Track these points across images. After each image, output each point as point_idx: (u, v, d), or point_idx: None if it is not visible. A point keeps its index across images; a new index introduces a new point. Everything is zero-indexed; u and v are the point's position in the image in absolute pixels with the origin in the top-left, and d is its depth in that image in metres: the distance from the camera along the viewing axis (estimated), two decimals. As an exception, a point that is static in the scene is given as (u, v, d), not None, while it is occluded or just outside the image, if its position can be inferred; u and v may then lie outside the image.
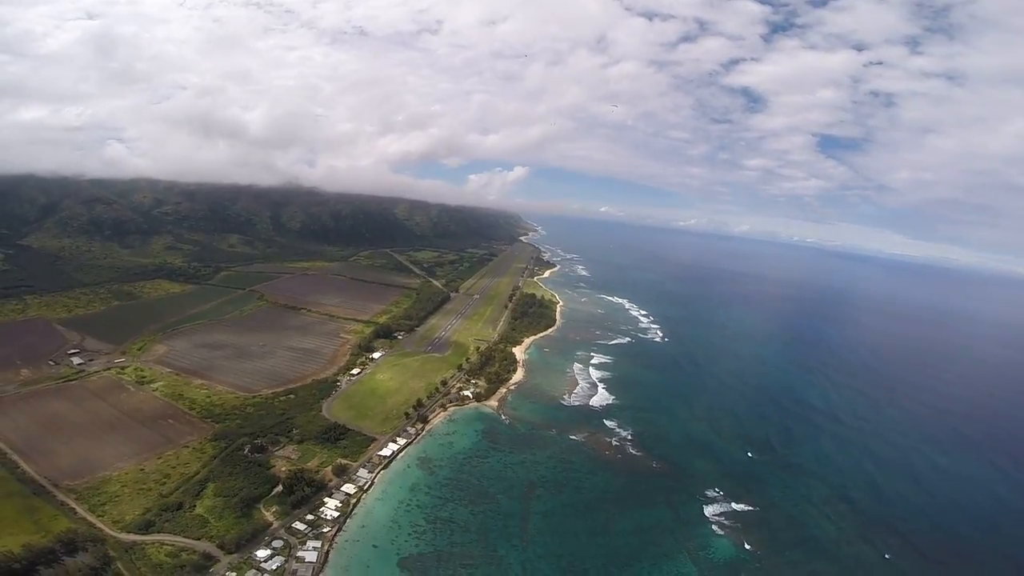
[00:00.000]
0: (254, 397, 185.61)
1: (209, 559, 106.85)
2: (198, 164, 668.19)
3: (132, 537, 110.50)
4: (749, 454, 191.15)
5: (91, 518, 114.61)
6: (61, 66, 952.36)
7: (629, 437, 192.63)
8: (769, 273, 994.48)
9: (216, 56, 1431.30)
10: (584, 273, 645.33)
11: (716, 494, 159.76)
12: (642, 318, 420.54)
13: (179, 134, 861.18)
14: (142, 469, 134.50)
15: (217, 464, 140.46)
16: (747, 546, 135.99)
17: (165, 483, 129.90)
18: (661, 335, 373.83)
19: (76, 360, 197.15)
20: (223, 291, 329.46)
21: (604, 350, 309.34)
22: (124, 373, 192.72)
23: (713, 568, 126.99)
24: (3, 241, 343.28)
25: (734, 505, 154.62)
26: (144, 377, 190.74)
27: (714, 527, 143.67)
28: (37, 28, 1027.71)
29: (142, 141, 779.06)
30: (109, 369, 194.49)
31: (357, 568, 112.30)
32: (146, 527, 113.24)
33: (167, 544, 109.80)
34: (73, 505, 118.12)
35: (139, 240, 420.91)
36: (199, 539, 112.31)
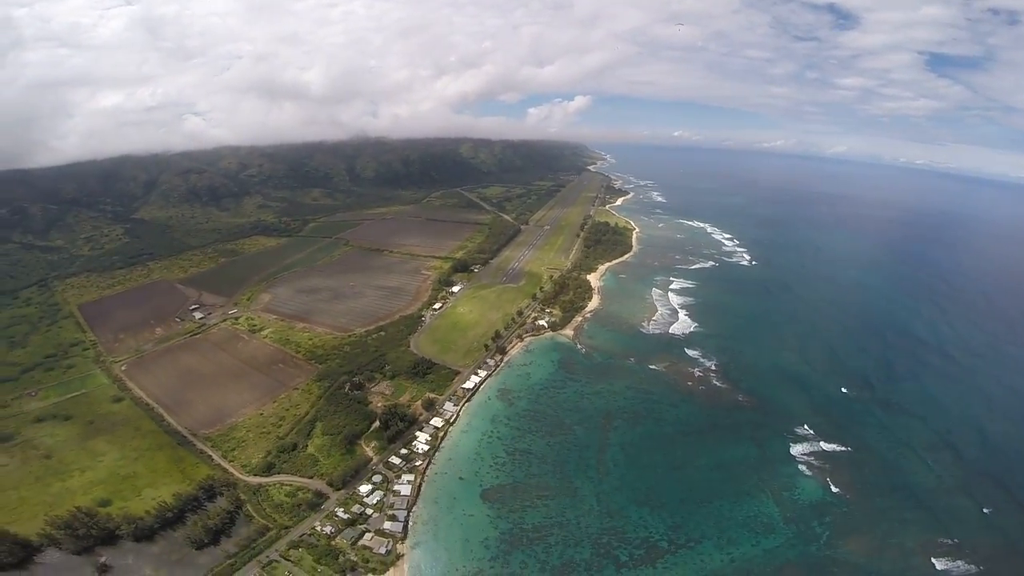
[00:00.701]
0: (349, 336, 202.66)
1: (321, 496, 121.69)
2: (271, 127, 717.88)
3: (257, 479, 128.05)
4: (844, 390, 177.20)
5: (224, 464, 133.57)
6: (119, 52, 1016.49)
7: (713, 368, 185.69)
8: (871, 196, 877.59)
9: (261, 23, 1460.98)
10: (660, 199, 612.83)
11: (805, 432, 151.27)
12: (726, 242, 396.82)
13: (247, 101, 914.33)
14: (261, 413, 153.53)
15: (323, 404, 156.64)
16: (835, 489, 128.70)
17: (280, 425, 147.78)
18: (748, 259, 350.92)
19: (197, 315, 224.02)
20: (312, 241, 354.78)
21: (685, 275, 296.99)
22: (238, 323, 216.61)
23: (797, 510, 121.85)
24: (120, 217, 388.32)
25: (824, 445, 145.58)
26: (255, 325, 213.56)
27: (801, 467, 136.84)
28: (83, 20, 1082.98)
29: (215, 112, 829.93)
30: (225, 320, 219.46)
31: (445, 500, 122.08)
32: (268, 469, 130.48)
33: (286, 484, 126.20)
34: (210, 452, 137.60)
35: (233, 202, 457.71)
36: (311, 478, 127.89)
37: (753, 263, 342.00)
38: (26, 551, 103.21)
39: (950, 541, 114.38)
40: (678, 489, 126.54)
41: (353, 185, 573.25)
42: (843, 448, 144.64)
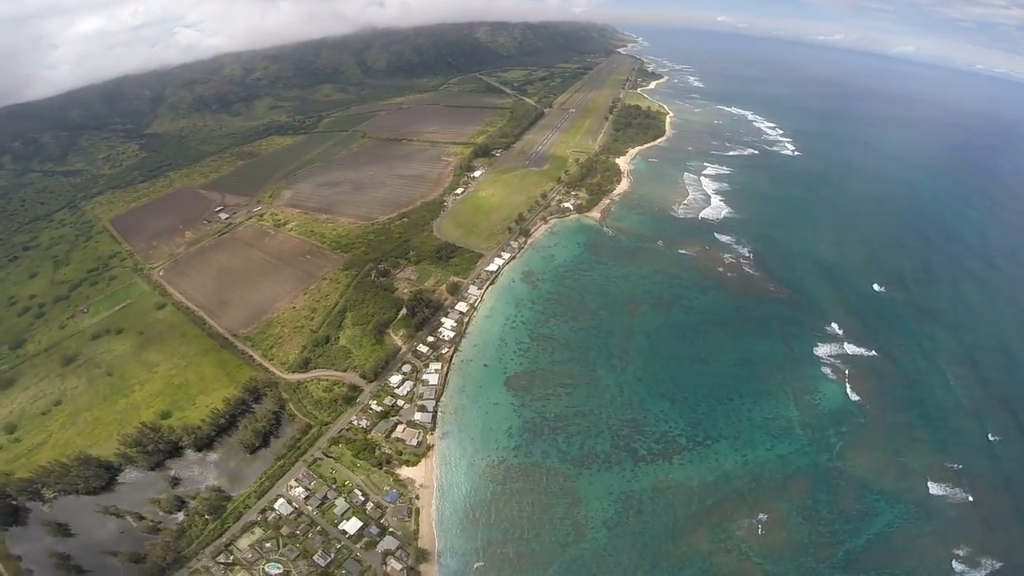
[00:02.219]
0: (373, 224, 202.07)
1: (355, 389, 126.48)
2: (269, 29, 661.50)
3: (296, 376, 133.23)
4: (879, 288, 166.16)
5: (265, 362, 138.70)
6: None
7: (746, 255, 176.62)
8: (937, 98, 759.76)
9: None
10: (697, 84, 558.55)
11: (835, 331, 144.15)
12: (769, 130, 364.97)
13: (237, 6, 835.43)
14: (294, 307, 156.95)
15: (351, 293, 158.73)
16: (855, 397, 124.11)
17: (313, 318, 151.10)
18: (792, 149, 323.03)
19: (223, 215, 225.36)
20: (328, 136, 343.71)
21: (722, 161, 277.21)
22: (263, 219, 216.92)
23: (815, 416, 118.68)
24: (132, 134, 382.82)
25: (851, 348, 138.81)
26: (279, 220, 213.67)
27: (825, 369, 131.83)
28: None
29: (207, 22, 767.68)
30: (250, 218, 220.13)
31: (471, 388, 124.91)
32: (304, 365, 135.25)
33: (322, 379, 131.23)
34: (251, 352, 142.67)
35: (243, 107, 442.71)
36: (345, 371, 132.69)
37: (797, 153, 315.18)
38: (109, 473, 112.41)
39: (954, 466, 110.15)
40: (701, 384, 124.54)
41: (365, 78, 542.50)
42: (869, 353, 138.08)
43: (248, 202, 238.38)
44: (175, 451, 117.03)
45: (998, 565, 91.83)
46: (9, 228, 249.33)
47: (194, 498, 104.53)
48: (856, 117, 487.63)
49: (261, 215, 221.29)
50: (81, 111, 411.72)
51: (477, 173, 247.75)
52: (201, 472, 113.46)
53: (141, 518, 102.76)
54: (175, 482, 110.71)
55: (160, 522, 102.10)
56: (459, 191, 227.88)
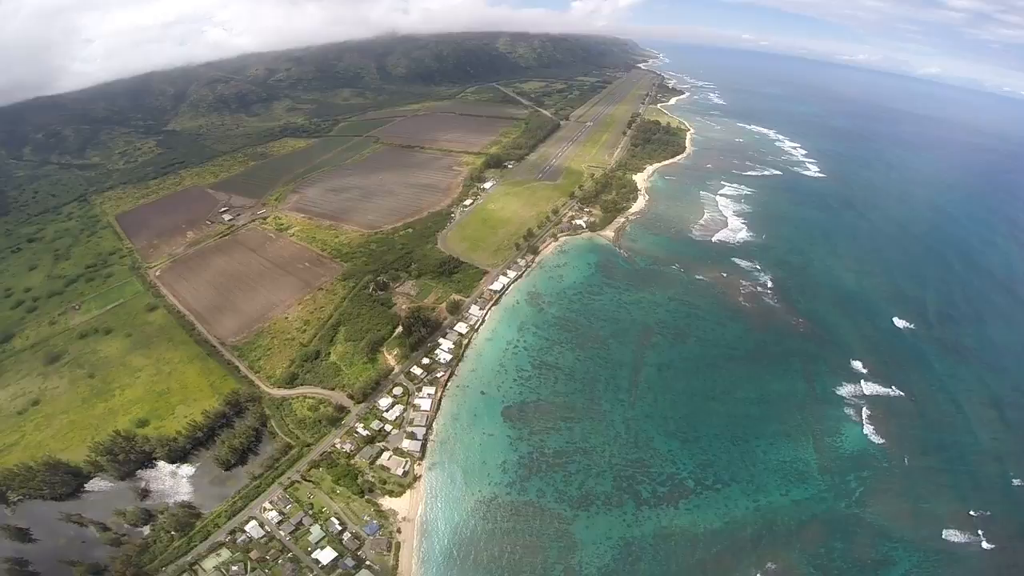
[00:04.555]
0: (376, 233, 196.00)
1: (342, 411, 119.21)
2: (295, 30, 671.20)
3: (282, 392, 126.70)
4: (907, 324, 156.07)
5: (250, 375, 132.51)
6: None
7: (768, 284, 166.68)
8: (964, 120, 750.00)
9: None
10: (719, 101, 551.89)
11: (858, 369, 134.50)
12: (792, 150, 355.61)
13: (266, 6, 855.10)
14: (286, 318, 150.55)
15: (347, 306, 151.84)
16: (879, 440, 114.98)
17: (305, 330, 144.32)
18: (816, 170, 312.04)
19: (227, 216, 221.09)
20: (342, 140, 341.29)
21: (744, 182, 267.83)
22: (266, 223, 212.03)
23: (835, 459, 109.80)
24: (152, 130, 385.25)
25: (875, 387, 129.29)
26: (282, 224, 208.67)
27: (848, 410, 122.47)
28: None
29: (236, 21, 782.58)
30: (253, 221, 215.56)
31: (465, 416, 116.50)
32: (291, 380, 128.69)
33: (309, 397, 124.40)
34: (236, 363, 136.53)
35: (262, 107, 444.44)
36: (333, 389, 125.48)
37: (821, 175, 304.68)
38: (77, 480, 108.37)
39: (977, 513, 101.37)
40: (714, 422, 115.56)
41: (384, 83, 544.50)
42: (893, 393, 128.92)
43: (254, 204, 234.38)
44: (147, 462, 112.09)
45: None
46: (18, 219, 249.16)
47: (162, 512, 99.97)
48: (882, 138, 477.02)
49: (265, 218, 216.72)
50: (106, 105, 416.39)
51: (487, 184, 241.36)
52: (172, 486, 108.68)
53: (105, 529, 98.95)
54: (144, 494, 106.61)
55: (124, 535, 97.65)
56: (468, 202, 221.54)
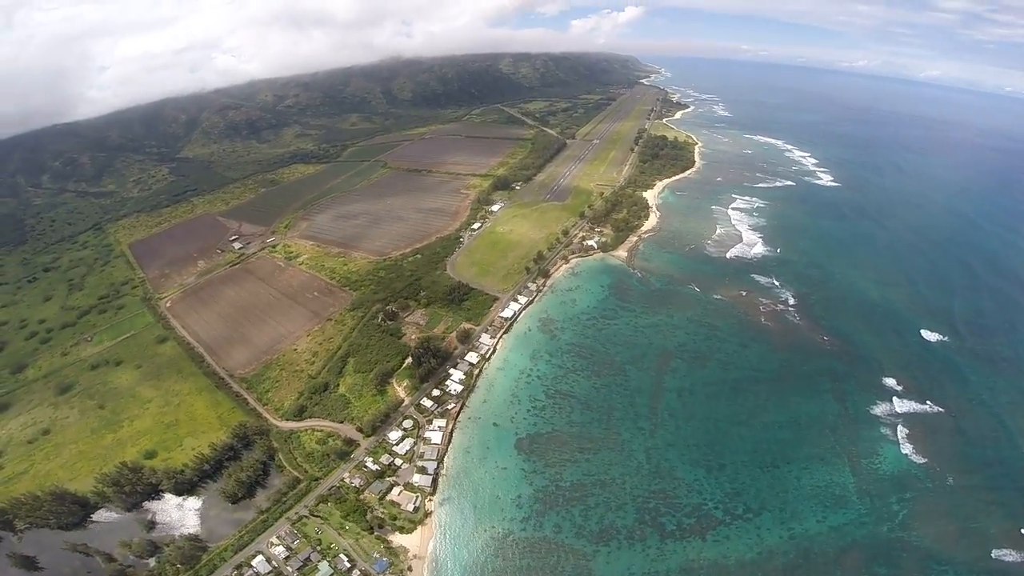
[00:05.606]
0: (385, 260, 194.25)
1: (351, 444, 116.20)
2: (302, 57, 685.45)
3: (290, 425, 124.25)
4: (934, 335, 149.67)
5: (258, 407, 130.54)
6: (128, 1, 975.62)
7: (791, 301, 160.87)
8: (970, 122, 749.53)
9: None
10: (724, 113, 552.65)
11: (892, 386, 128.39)
12: (802, 160, 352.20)
13: (273, 33, 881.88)
14: (295, 349, 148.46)
15: (356, 336, 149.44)
16: (920, 459, 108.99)
17: (314, 362, 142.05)
18: (830, 179, 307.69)
19: (237, 245, 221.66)
20: (351, 165, 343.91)
21: (756, 193, 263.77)
22: (275, 251, 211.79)
23: (875, 481, 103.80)
24: (165, 157, 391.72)
25: (912, 404, 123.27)
26: (292, 253, 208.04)
27: (885, 430, 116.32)
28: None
29: (244, 48, 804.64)
30: (263, 249, 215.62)
31: (478, 449, 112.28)
32: (299, 413, 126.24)
33: (317, 430, 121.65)
34: (245, 395, 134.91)
35: (272, 134, 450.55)
36: (342, 422, 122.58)
37: (835, 184, 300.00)
38: (84, 510, 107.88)
39: None
40: (741, 449, 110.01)
41: (391, 107, 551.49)
42: (932, 409, 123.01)
43: (263, 232, 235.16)
44: (154, 494, 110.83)
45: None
46: (35, 248, 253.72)
47: (168, 545, 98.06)
48: (890, 143, 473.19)
49: (274, 246, 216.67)
50: (120, 132, 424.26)
51: (495, 207, 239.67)
52: (179, 518, 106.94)
53: (111, 559, 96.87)
54: (150, 526, 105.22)
55: (130, 566, 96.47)
56: (476, 226, 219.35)
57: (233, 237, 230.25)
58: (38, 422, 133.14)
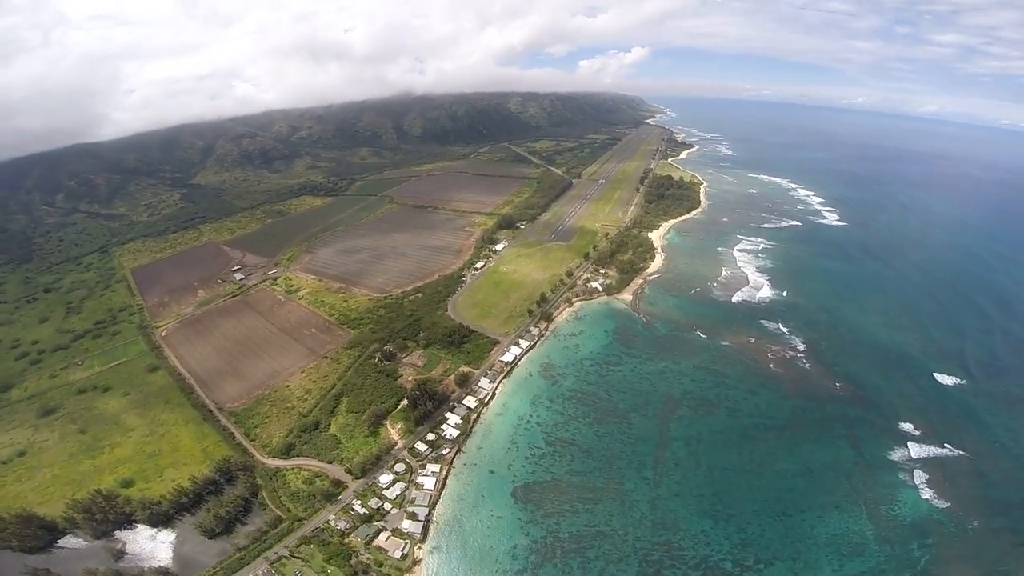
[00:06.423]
0: (385, 298, 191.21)
1: (338, 485, 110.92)
2: (317, 89, 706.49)
3: (276, 463, 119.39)
4: (948, 379, 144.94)
5: (245, 442, 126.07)
6: (159, 25, 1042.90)
7: (800, 347, 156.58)
8: (969, 155, 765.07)
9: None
10: (729, 152, 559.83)
11: (910, 431, 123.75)
12: (807, 199, 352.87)
13: (291, 64, 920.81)
14: (288, 385, 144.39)
15: (351, 375, 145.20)
16: (941, 504, 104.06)
17: (306, 399, 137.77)
18: (836, 218, 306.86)
19: (238, 276, 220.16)
20: (358, 200, 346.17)
21: (763, 235, 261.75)
22: (276, 284, 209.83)
23: (894, 528, 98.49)
24: (178, 183, 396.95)
25: (930, 449, 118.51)
26: (292, 287, 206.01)
27: (903, 475, 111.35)
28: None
29: (263, 77, 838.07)
30: (264, 281, 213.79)
31: (472, 497, 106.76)
32: (287, 450, 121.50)
33: (304, 469, 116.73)
34: (232, 430, 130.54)
35: (284, 164, 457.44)
36: (331, 463, 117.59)
37: (842, 223, 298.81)
38: (51, 535, 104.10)
39: None
40: (752, 498, 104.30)
41: (401, 143, 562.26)
42: (951, 453, 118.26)
43: (266, 263, 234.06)
44: (127, 523, 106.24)
45: None
46: (39, 267, 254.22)
47: None
48: (893, 180, 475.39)
49: (276, 279, 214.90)
50: (138, 156, 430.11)
51: (500, 246, 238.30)
52: (150, 550, 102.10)
53: None
54: (119, 555, 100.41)
55: None
56: (479, 265, 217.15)
57: (236, 267, 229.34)
58: (16, 443, 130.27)
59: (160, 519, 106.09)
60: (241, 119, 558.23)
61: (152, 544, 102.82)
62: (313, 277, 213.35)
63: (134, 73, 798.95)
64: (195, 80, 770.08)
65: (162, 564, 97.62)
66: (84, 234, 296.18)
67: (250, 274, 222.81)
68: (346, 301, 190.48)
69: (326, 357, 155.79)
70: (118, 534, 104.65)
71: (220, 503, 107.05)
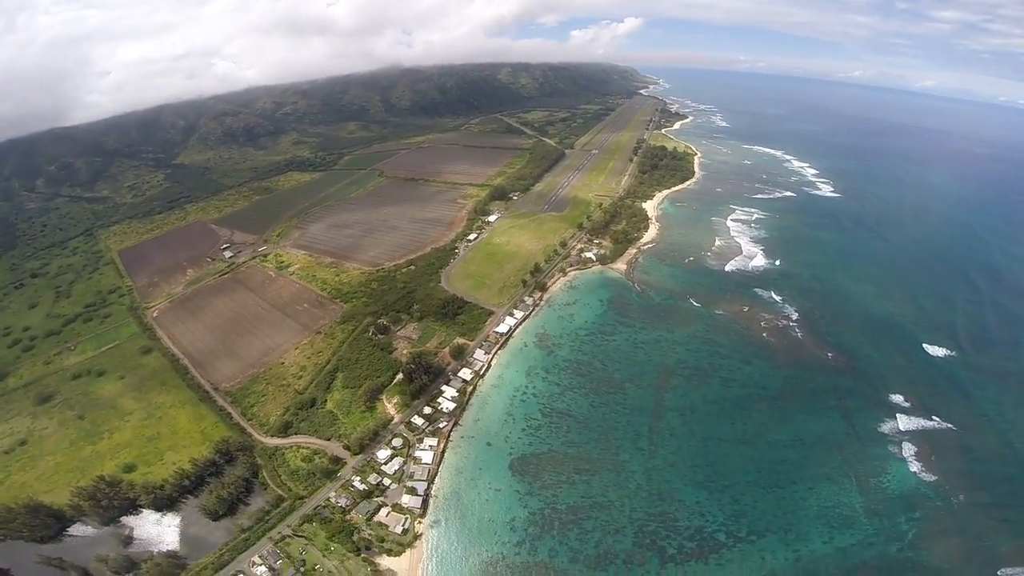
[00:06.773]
0: (378, 271, 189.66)
1: (337, 462, 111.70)
2: (300, 64, 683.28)
3: (275, 441, 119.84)
4: (940, 351, 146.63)
5: (243, 422, 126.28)
6: (129, 7, 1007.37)
7: (794, 315, 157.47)
8: (966, 131, 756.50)
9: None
10: (723, 124, 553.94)
11: (900, 402, 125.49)
12: (803, 171, 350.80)
13: (272, 40, 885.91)
14: (282, 363, 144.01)
15: (345, 350, 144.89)
16: (930, 477, 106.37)
17: (301, 376, 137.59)
18: (830, 190, 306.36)
19: (228, 254, 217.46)
20: (347, 174, 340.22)
21: (758, 205, 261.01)
22: (266, 261, 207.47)
23: (883, 501, 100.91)
24: (161, 163, 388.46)
25: (921, 421, 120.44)
26: (283, 262, 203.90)
27: (892, 448, 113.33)
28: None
29: (243, 54, 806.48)
30: (254, 258, 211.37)
31: (470, 470, 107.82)
32: (285, 429, 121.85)
33: (303, 447, 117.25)
34: (230, 410, 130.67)
35: (270, 141, 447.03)
36: (329, 439, 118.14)
37: (836, 195, 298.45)
38: (60, 523, 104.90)
39: None
40: (745, 469, 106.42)
41: (389, 116, 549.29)
42: (940, 426, 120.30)
43: (255, 240, 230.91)
44: (132, 508, 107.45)
45: None
46: (24, 253, 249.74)
47: (146, 561, 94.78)
48: (889, 153, 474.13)
49: (266, 256, 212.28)
50: (118, 137, 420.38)
51: (492, 217, 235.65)
52: (157, 534, 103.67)
53: (87, 574, 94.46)
54: (127, 541, 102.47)
55: None
56: (472, 236, 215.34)
57: (224, 245, 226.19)
58: (15, 432, 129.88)
59: (164, 503, 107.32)
60: (223, 97, 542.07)
61: (158, 528, 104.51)
62: (304, 252, 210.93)
63: (107, 55, 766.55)
64: (172, 60, 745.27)
65: (170, 548, 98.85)
66: (68, 218, 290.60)
67: (239, 252, 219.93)
68: (338, 275, 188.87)
69: (320, 332, 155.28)
70: (124, 520, 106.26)
71: (222, 484, 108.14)
